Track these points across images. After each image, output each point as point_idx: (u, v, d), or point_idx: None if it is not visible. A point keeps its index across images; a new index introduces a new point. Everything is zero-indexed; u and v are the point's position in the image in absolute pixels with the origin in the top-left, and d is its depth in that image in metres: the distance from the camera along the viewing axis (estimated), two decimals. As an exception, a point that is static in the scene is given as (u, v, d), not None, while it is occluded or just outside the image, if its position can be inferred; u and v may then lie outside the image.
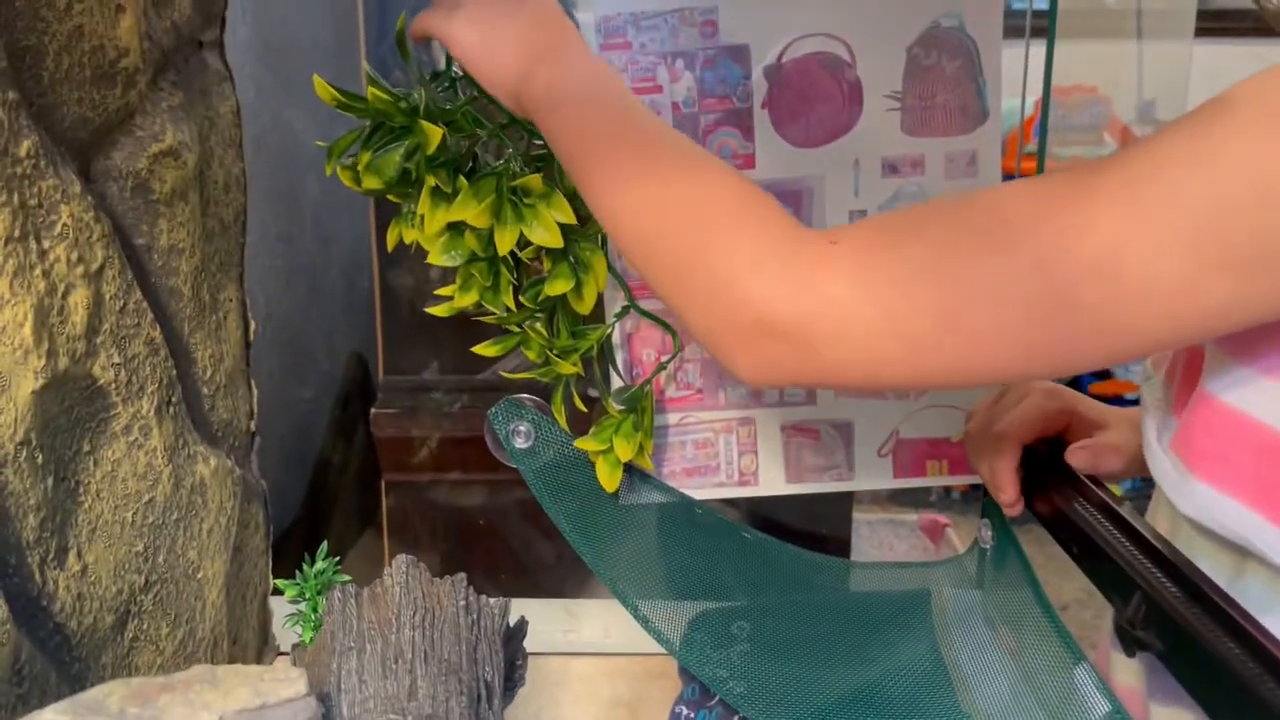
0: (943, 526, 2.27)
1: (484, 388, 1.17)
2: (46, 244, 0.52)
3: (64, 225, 0.53)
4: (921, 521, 2.48)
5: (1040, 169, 0.96)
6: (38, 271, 0.51)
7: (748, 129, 0.77)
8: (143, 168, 0.62)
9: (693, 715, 0.75)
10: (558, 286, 0.73)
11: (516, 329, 0.75)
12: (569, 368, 0.75)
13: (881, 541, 2.34)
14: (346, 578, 0.64)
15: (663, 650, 0.77)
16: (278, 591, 0.71)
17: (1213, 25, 2.85)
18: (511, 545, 1.11)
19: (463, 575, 0.62)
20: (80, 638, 0.57)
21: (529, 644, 0.82)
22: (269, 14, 1.21)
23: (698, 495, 0.82)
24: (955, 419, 0.82)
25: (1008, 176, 0.75)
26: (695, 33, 0.76)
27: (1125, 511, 0.61)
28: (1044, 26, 0.82)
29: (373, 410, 1.19)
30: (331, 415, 1.23)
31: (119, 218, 0.61)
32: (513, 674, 0.66)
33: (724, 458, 0.83)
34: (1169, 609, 0.49)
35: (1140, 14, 2.84)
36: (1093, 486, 0.67)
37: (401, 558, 0.62)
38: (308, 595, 0.64)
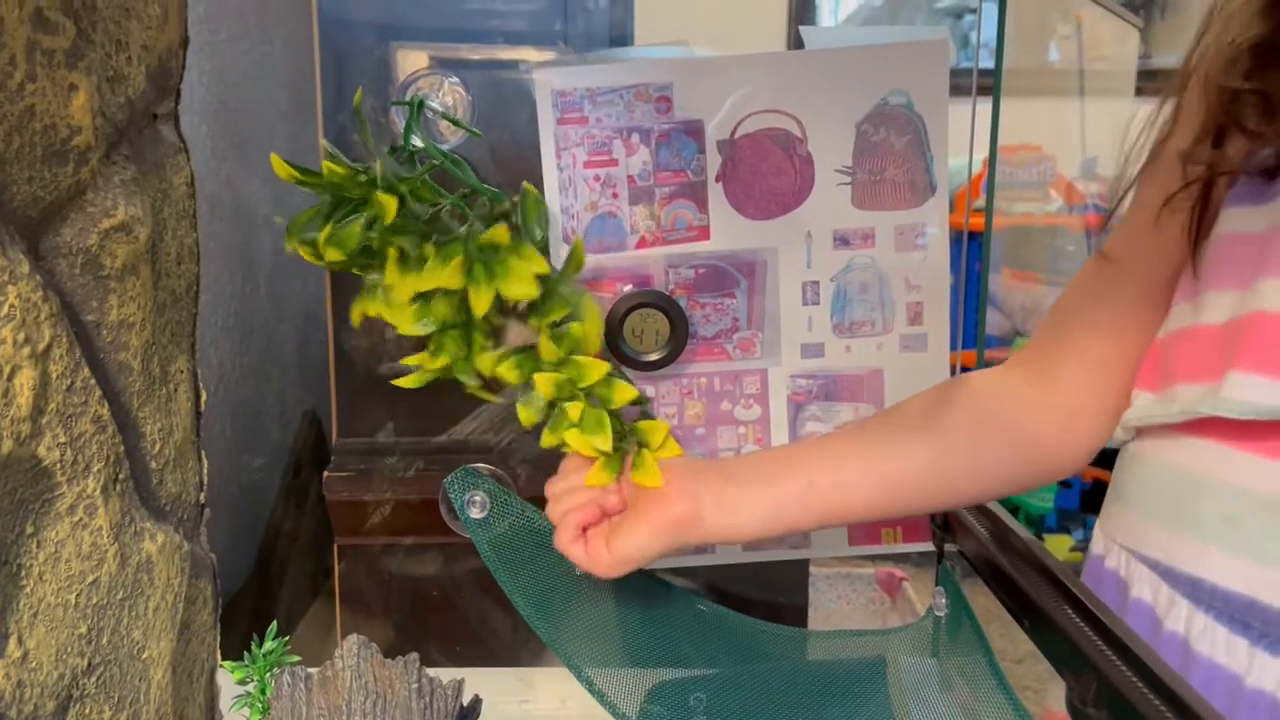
0: (899, 580, 2.27)
1: (440, 450, 1.16)
2: (-8, 326, 0.51)
3: (10, 306, 0.53)
4: (878, 575, 2.49)
5: (988, 224, 0.99)
6: (-18, 355, 0.50)
7: (702, 201, 0.78)
8: (93, 244, 0.62)
9: (650, 789, 0.74)
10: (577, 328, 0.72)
11: (491, 398, 0.75)
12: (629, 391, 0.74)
13: (839, 595, 2.35)
14: (296, 659, 0.63)
15: (618, 721, 0.76)
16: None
17: (1150, 85, 2.96)
18: (466, 613, 1.09)
19: (415, 656, 0.61)
20: (19, 727, 0.56)
21: (484, 716, 0.81)
22: (226, 76, 1.21)
23: (655, 565, 0.82)
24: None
25: (957, 232, 0.80)
26: (650, 108, 0.77)
27: (1076, 585, 0.62)
28: (990, 85, 0.85)
29: (325, 473, 1.18)
30: (284, 479, 1.21)
31: (68, 294, 0.60)
32: (466, 751, 0.65)
33: (680, 525, 0.83)
34: (1121, 689, 0.50)
35: (1083, 74, 2.93)
36: (1044, 557, 0.68)
37: (353, 638, 0.61)
38: (256, 677, 0.63)
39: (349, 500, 1.18)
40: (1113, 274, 0.74)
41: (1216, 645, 0.60)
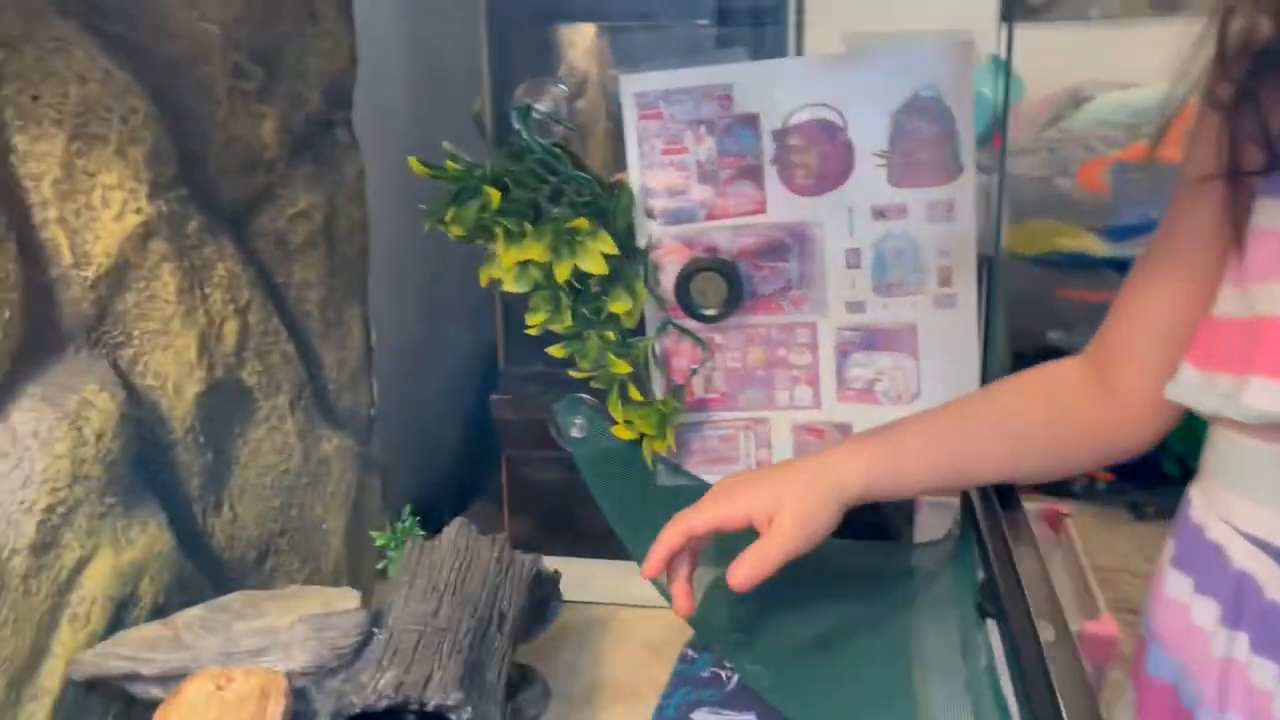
0: (1062, 516, 2.33)
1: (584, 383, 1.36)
2: (207, 291, 0.75)
3: (220, 276, 0.77)
4: (1043, 511, 2.55)
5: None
6: (201, 311, 0.75)
7: (759, 182, 0.94)
8: (281, 226, 0.85)
9: (696, 656, 0.93)
10: (618, 306, 0.92)
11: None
12: (624, 367, 0.94)
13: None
14: (421, 533, 0.86)
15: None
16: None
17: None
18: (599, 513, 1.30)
19: (504, 535, 0.83)
20: (231, 566, 0.81)
21: (594, 595, 1.03)
22: (427, 53, 1.43)
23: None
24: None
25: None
26: (715, 105, 0.93)
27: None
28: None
29: (493, 396, 1.41)
30: (453, 399, 1.47)
31: (264, 264, 0.84)
32: (544, 611, 0.86)
33: (744, 450, 1.01)
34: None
35: None
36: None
37: (458, 520, 0.83)
38: (393, 545, 0.86)
39: (511, 419, 1.41)
40: (1169, 261, 0.74)
41: None
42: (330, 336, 0.94)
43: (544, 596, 0.86)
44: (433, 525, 0.88)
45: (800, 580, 1.00)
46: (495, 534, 0.82)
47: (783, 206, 0.94)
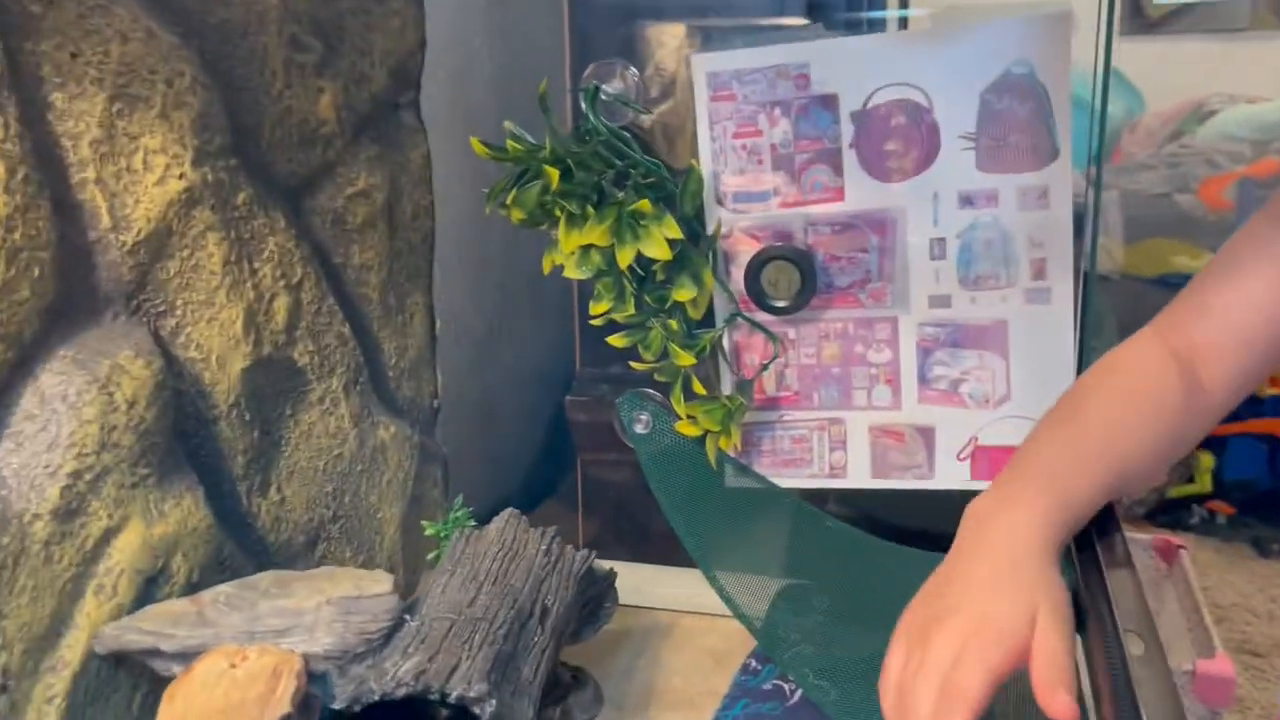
0: (1176, 548, 2.20)
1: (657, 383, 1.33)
2: (257, 265, 0.74)
3: (270, 251, 0.75)
4: (1155, 542, 2.41)
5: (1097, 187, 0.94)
6: (249, 284, 0.73)
7: (837, 166, 0.89)
8: (340, 206, 0.84)
9: (760, 667, 0.87)
10: (682, 294, 0.88)
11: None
12: (688, 359, 0.89)
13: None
14: (473, 524, 0.83)
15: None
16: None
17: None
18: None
19: (554, 529, 0.79)
20: (277, 549, 0.79)
21: (660, 601, 0.99)
22: (510, 49, 1.42)
23: (791, 484, 0.94)
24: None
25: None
26: (790, 85, 0.88)
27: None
28: None
29: (568, 397, 1.38)
30: (526, 397, 1.44)
31: (320, 243, 0.82)
32: (598, 611, 0.82)
33: (816, 452, 0.95)
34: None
35: None
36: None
37: (507, 511, 0.79)
38: (444, 535, 0.83)
39: (586, 421, 1.38)
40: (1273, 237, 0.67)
41: None
42: (391, 322, 0.92)
43: (597, 595, 0.82)
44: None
45: (873, 593, 0.94)
46: (546, 528, 0.78)
47: (862, 193, 0.89)
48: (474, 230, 1.11)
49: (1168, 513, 2.48)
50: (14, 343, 0.57)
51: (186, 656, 0.59)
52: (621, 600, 0.86)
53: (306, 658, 0.58)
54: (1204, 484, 2.52)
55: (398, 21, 0.89)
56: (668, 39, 1.48)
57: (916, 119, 0.86)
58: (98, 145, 0.61)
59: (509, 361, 1.39)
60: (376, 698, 0.56)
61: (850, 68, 0.87)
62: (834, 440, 0.95)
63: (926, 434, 0.92)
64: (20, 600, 0.56)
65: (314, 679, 0.59)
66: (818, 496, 0.97)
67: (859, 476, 0.94)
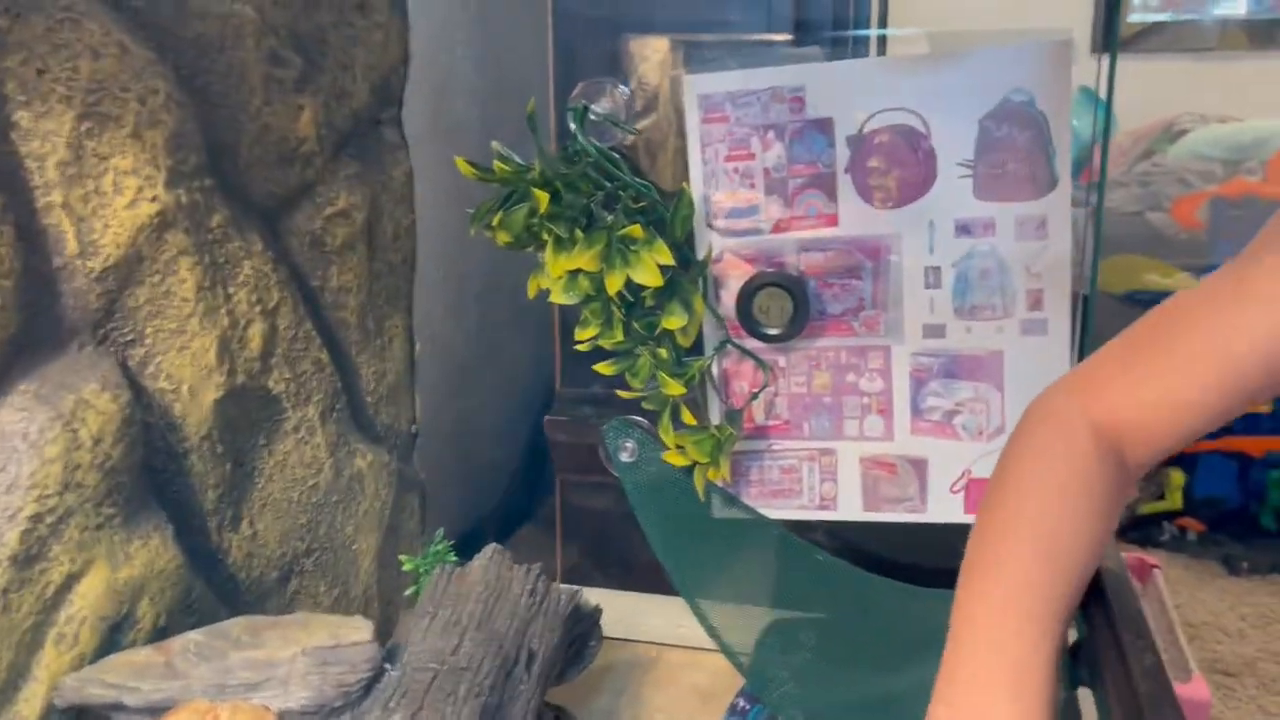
0: (1150, 568, 2.19)
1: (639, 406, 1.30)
2: (231, 290, 0.70)
3: (246, 275, 0.72)
4: (1129, 560, 2.41)
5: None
6: (223, 311, 0.69)
7: (831, 191, 0.86)
8: (318, 227, 0.80)
9: (748, 707, 0.85)
10: (672, 322, 0.85)
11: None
12: (678, 388, 0.87)
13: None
14: (454, 559, 0.80)
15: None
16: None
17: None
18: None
19: (538, 566, 0.76)
20: (249, 586, 0.75)
21: (642, 633, 0.96)
22: (497, 66, 1.39)
23: (780, 515, 0.92)
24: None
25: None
26: (784, 108, 0.86)
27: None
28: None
29: (546, 417, 1.35)
30: (502, 419, 1.41)
31: (298, 265, 0.79)
32: (583, 650, 0.79)
33: (806, 483, 0.93)
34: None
35: None
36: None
37: (490, 547, 0.76)
38: (423, 569, 0.80)
39: (565, 441, 1.34)
40: (1233, 339, 0.59)
41: None
42: (369, 346, 0.89)
43: (583, 634, 0.79)
44: (477, 550, 0.81)
45: (863, 629, 0.91)
46: (530, 565, 0.75)
47: (856, 219, 0.86)
48: (455, 247, 1.08)
49: (1138, 529, 2.49)
50: (-29, 378, 0.53)
51: (154, 711, 0.56)
52: (605, 632, 0.83)
53: (282, 715, 0.55)
54: (1174, 501, 2.52)
55: (381, 35, 0.86)
56: (651, 53, 1.46)
57: (913, 145, 0.84)
58: (65, 167, 0.57)
59: (489, 381, 1.36)
60: (357, 758, 0.53)
61: (846, 91, 0.85)
62: (824, 471, 0.92)
63: (919, 466, 0.90)
64: (-25, 654, 0.53)
65: (290, 736, 0.55)
66: (807, 528, 0.94)
67: (850, 509, 0.92)
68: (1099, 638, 0.57)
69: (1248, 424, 2.44)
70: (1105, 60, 0.90)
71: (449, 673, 0.59)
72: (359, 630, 0.60)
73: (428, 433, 1.02)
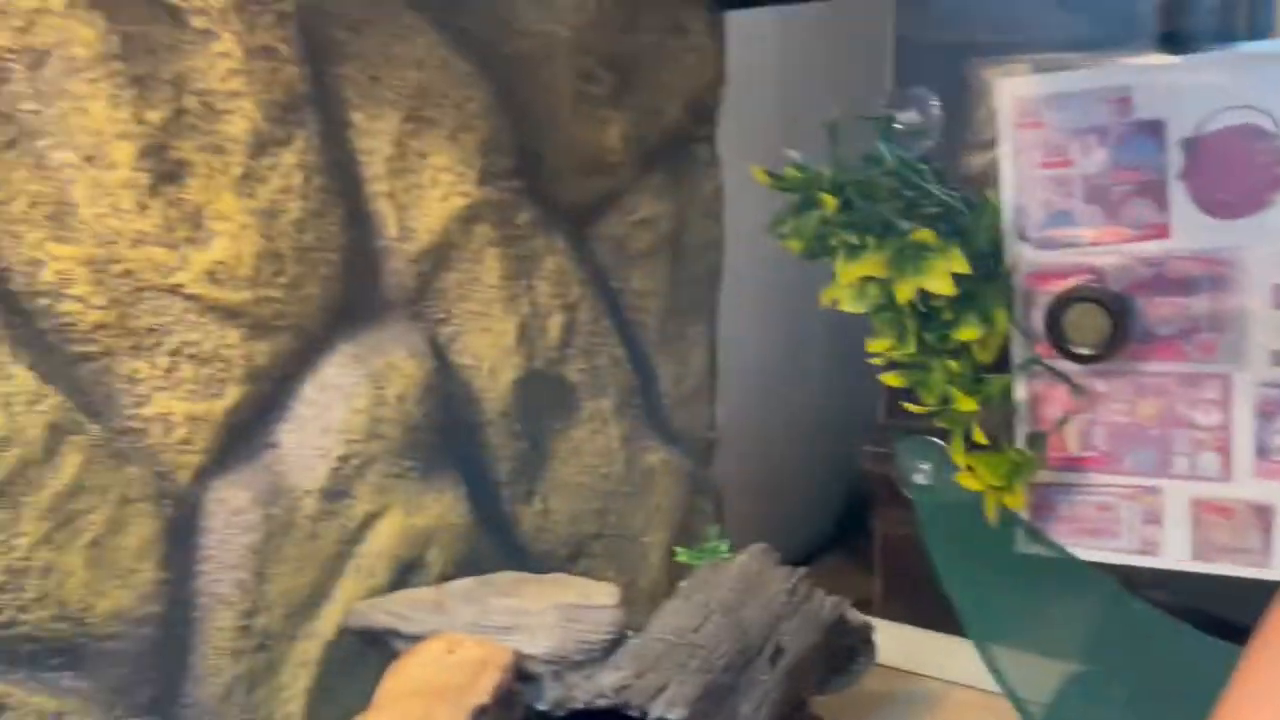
0: None
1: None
2: (533, 282, 0.77)
3: (548, 270, 0.78)
4: None
5: None
6: (524, 300, 0.77)
7: (1162, 200, 0.79)
8: (622, 232, 0.86)
9: (1034, 758, 0.78)
10: (966, 334, 0.82)
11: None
12: (970, 404, 0.83)
13: None
14: (727, 555, 0.81)
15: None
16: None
17: None
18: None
19: (802, 569, 0.75)
20: (538, 558, 0.81)
21: (933, 668, 0.92)
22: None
23: (1094, 557, 0.84)
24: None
25: None
26: (1109, 110, 0.80)
27: None
28: None
29: (865, 447, 1.33)
30: (825, 451, 1.40)
31: (600, 267, 0.85)
32: (849, 664, 0.77)
33: (1125, 524, 0.84)
34: None
35: None
36: None
37: (757, 546, 0.77)
38: (696, 562, 0.82)
39: (885, 475, 1.32)
40: None
41: None
42: (669, 350, 0.93)
43: (849, 646, 0.77)
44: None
45: (1183, 692, 0.81)
46: (795, 567, 0.75)
47: (1192, 230, 0.78)
48: (767, 268, 1.10)
49: None
50: (301, 335, 0.63)
51: (420, 640, 0.62)
52: (895, 664, 0.81)
53: (524, 657, 0.59)
54: None
55: (695, 57, 0.91)
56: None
57: (1261, 147, 0.75)
58: (390, 161, 0.67)
59: (799, 402, 1.36)
60: (579, 705, 0.56)
61: (1181, 91, 0.77)
62: (1148, 513, 0.83)
63: (1263, 513, 0.78)
64: (284, 568, 0.62)
65: (529, 679, 0.59)
66: (1123, 575, 0.85)
67: (1176, 556, 0.82)
68: None
69: None
70: None
71: (685, 647, 0.60)
72: (607, 595, 0.63)
73: (728, 445, 1.04)
